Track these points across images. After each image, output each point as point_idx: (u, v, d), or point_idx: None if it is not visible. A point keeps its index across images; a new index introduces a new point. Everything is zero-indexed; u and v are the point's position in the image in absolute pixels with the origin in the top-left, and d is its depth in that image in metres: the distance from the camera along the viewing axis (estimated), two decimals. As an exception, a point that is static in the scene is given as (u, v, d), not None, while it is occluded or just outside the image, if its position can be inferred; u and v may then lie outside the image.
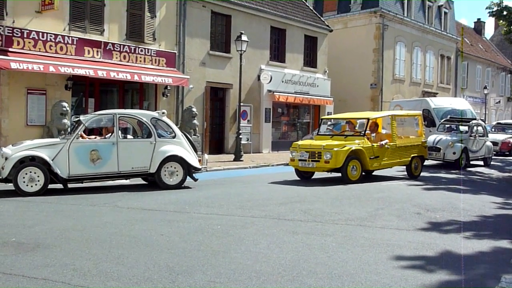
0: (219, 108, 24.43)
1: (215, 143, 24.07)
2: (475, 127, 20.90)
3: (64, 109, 16.66)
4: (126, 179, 12.97)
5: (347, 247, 6.71)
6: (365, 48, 34.30)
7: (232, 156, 21.00)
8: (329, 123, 17.65)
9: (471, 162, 20.60)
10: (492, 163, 22.17)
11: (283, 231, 7.60)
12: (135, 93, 21.51)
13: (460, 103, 29.13)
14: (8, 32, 16.30)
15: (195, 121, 20.86)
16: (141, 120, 12.61)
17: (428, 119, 25.33)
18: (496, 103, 51.12)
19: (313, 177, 15.07)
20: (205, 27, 23.01)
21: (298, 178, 14.74)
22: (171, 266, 5.69)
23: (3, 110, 16.66)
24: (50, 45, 17.29)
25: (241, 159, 20.43)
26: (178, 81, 20.57)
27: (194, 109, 20.93)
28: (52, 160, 11.21)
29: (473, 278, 5.56)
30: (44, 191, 11.08)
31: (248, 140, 24.07)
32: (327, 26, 30.37)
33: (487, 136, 21.73)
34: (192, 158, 12.68)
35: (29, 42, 16.80)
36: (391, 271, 5.67)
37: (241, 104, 22.05)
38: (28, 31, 16.76)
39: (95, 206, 9.85)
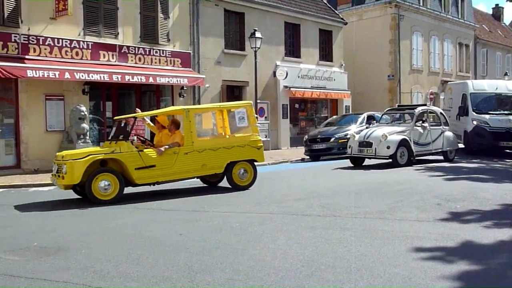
0: (236, 106, 24.36)
1: (234, 141, 24.02)
2: (425, 115, 17.54)
3: (82, 113, 16.81)
4: None
5: (366, 240, 6.66)
6: (381, 40, 34.06)
7: (250, 154, 20.92)
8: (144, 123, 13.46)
9: (420, 158, 17.01)
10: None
11: (302, 227, 7.58)
12: (152, 95, 21.66)
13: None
14: (24, 40, 16.51)
15: (212, 120, 20.94)
16: None
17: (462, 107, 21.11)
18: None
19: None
20: (219, 26, 23.05)
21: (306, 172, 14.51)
22: (189, 265, 5.71)
23: (23, 117, 16.88)
24: (66, 51, 17.47)
25: (259, 156, 20.32)
26: (193, 81, 20.65)
27: (211, 108, 20.98)
28: None
29: (494, 268, 5.49)
30: None
31: (266, 137, 24.00)
32: (342, 19, 30.24)
33: (447, 126, 17.85)
34: None
35: (45, 49, 17.00)
36: (410, 263, 5.62)
37: (258, 101, 22.05)
38: (43, 37, 16.97)
39: (114, 208, 9.93)
